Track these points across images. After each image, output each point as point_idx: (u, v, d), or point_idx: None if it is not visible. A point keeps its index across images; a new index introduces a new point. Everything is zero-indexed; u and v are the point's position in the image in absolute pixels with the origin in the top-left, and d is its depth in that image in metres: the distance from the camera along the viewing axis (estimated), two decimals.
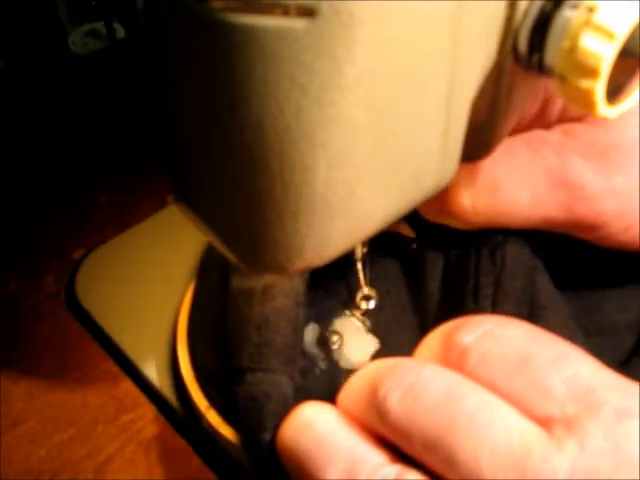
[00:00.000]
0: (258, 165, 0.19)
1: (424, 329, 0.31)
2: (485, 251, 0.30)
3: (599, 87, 0.19)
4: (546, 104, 0.28)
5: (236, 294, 0.30)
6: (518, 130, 0.29)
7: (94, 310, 0.36)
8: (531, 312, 0.28)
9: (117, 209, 0.42)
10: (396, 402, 0.22)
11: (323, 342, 0.32)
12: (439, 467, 0.21)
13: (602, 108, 0.20)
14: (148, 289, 0.37)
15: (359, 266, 0.32)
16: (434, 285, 0.32)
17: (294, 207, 0.20)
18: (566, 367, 0.22)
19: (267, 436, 0.26)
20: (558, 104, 0.28)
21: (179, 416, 0.32)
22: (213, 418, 0.29)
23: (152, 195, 0.42)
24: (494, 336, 0.23)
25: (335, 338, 0.32)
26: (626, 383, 0.21)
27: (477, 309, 0.28)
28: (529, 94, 0.25)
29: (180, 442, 0.31)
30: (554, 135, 0.28)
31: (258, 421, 0.26)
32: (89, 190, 0.43)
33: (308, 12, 0.16)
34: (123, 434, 0.32)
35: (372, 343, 0.32)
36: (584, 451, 0.20)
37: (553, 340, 0.23)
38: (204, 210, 0.23)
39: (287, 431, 0.25)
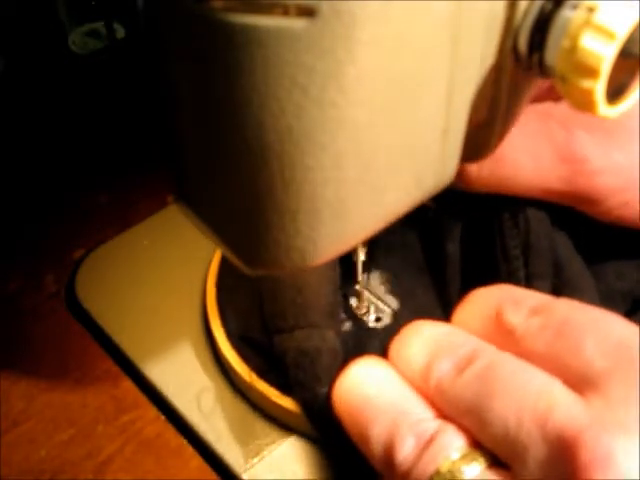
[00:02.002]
0: (259, 165, 0.19)
1: (442, 289, 0.32)
2: (506, 215, 0.30)
3: (599, 87, 0.19)
4: None
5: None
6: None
7: (94, 310, 0.36)
8: (557, 268, 0.30)
9: (117, 209, 0.42)
10: (445, 374, 0.24)
11: (345, 305, 0.33)
12: (474, 429, 0.23)
13: (602, 108, 0.20)
14: (148, 289, 0.37)
15: (359, 267, 0.32)
16: (452, 246, 0.32)
17: (295, 207, 0.20)
18: (599, 328, 0.22)
19: (323, 389, 0.27)
20: None
21: (179, 416, 0.32)
22: (254, 378, 0.30)
23: (152, 195, 0.42)
24: (538, 313, 0.24)
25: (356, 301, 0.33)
26: None
27: (510, 269, 0.30)
28: (529, 94, 0.25)
29: (180, 442, 0.31)
30: (561, 108, 0.28)
31: (313, 375, 0.28)
32: (89, 190, 0.43)
33: (308, 12, 0.16)
34: (123, 434, 0.32)
35: (392, 303, 0.33)
36: (609, 402, 0.20)
37: (588, 307, 0.24)
38: (204, 210, 0.23)
39: (340, 386, 0.27)
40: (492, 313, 0.25)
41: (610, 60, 0.19)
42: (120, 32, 0.50)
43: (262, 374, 0.30)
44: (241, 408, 0.32)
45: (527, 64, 0.21)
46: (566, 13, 0.19)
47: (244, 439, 0.31)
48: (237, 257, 0.23)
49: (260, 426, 0.31)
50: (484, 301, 0.26)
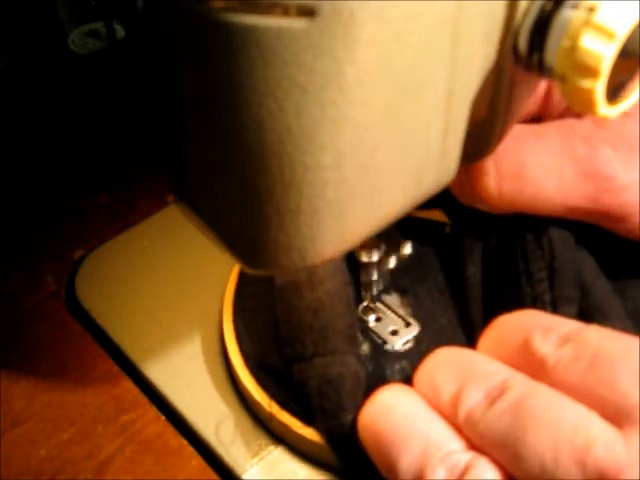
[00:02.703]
0: (258, 165, 0.19)
1: (464, 311, 0.32)
2: (529, 236, 0.30)
3: (599, 87, 0.19)
4: None
5: (282, 288, 0.31)
6: (549, 118, 0.29)
7: (94, 310, 0.36)
8: (583, 291, 0.29)
9: (117, 209, 0.42)
10: (476, 405, 0.23)
11: (363, 328, 0.32)
12: (508, 463, 0.22)
13: (602, 108, 0.20)
14: (148, 289, 0.37)
15: (362, 268, 0.32)
16: (473, 268, 0.32)
17: (295, 207, 0.20)
18: (632, 358, 0.22)
19: (349, 416, 0.27)
20: None
21: (180, 416, 0.32)
22: (274, 407, 0.29)
23: (152, 195, 0.42)
24: (569, 342, 0.23)
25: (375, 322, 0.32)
26: None
27: (535, 292, 0.29)
28: (529, 94, 0.25)
29: (180, 442, 0.31)
30: (584, 124, 0.28)
31: (337, 403, 0.27)
32: (89, 190, 0.43)
33: (308, 12, 0.16)
34: (123, 434, 0.32)
35: (412, 325, 0.32)
36: None
37: (622, 336, 0.23)
38: (204, 210, 0.23)
39: (367, 414, 0.26)
40: (520, 341, 0.25)
41: (610, 60, 0.19)
42: (120, 32, 0.50)
43: (284, 404, 0.29)
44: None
45: (527, 64, 0.21)
46: (566, 13, 0.19)
47: (244, 439, 0.31)
48: (237, 257, 0.23)
49: (260, 426, 0.31)
50: (511, 328, 0.26)
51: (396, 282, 0.34)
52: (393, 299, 0.33)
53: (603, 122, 0.28)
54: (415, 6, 0.18)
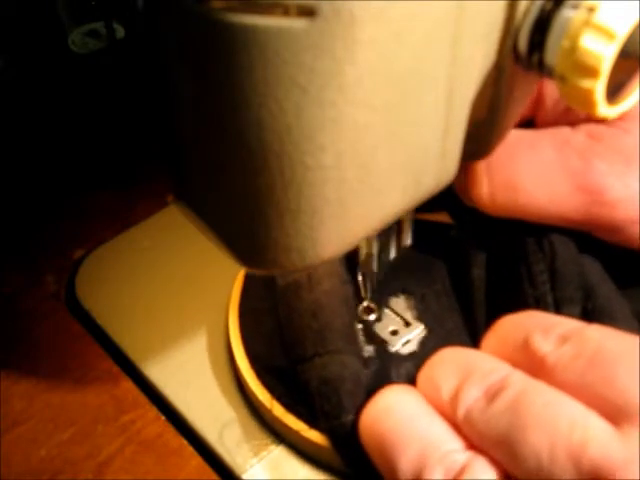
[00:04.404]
0: (258, 165, 0.19)
1: (470, 315, 0.32)
2: (530, 239, 0.30)
3: (599, 87, 0.19)
4: None
5: (283, 289, 0.31)
6: (544, 124, 0.29)
7: (94, 310, 0.36)
8: (586, 292, 0.29)
9: (117, 209, 0.42)
10: (474, 403, 0.23)
11: (369, 331, 0.32)
12: (505, 462, 0.22)
13: (602, 108, 0.20)
14: (148, 289, 0.37)
15: (360, 278, 0.32)
16: (478, 271, 0.32)
17: (294, 207, 0.20)
18: (633, 357, 0.22)
19: (349, 417, 0.27)
20: None
21: (180, 417, 0.32)
22: (278, 409, 0.29)
23: (152, 195, 0.42)
24: (569, 340, 0.24)
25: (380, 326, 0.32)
26: None
27: (537, 294, 0.29)
28: (529, 94, 0.25)
29: (180, 442, 0.31)
30: (579, 136, 0.28)
31: (337, 403, 0.27)
32: (89, 190, 0.43)
33: (308, 12, 0.16)
34: (123, 434, 0.32)
35: (418, 328, 0.32)
36: None
37: (622, 335, 0.23)
38: (204, 210, 0.23)
39: (367, 416, 0.26)
40: (521, 341, 0.25)
41: (610, 60, 0.19)
42: (120, 32, 0.50)
43: (289, 406, 0.29)
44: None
45: (527, 64, 0.21)
46: (566, 13, 0.19)
47: (244, 440, 0.31)
48: (237, 257, 0.23)
49: (260, 426, 0.31)
50: (513, 328, 0.26)
51: (403, 285, 0.34)
52: (400, 302, 0.33)
53: (598, 135, 0.28)
54: (415, 6, 0.18)
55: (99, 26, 0.52)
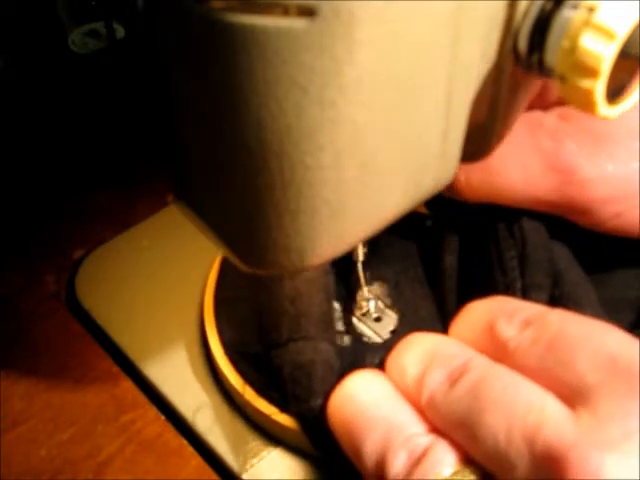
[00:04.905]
0: (258, 165, 0.19)
1: (442, 302, 0.32)
2: (502, 225, 0.30)
3: (599, 87, 0.19)
4: (545, 85, 0.29)
5: (266, 276, 0.31)
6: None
7: (94, 310, 0.36)
8: (555, 279, 0.29)
9: (117, 209, 0.42)
10: (437, 387, 0.24)
11: (345, 319, 0.33)
12: (466, 444, 0.22)
13: (602, 108, 0.20)
14: (148, 289, 0.37)
15: (359, 267, 0.32)
16: (451, 259, 0.32)
17: (294, 207, 0.20)
18: (592, 341, 0.22)
19: (318, 401, 0.27)
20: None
21: (180, 417, 0.32)
22: (250, 394, 0.30)
23: (152, 195, 0.42)
24: (531, 325, 0.24)
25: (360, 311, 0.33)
26: None
27: (507, 280, 0.29)
28: (529, 94, 0.25)
29: (180, 442, 0.31)
30: (550, 118, 0.28)
31: (308, 388, 0.28)
32: (89, 190, 0.43)
33: (308, 12, 0.16)
34: (123, 434, 0.32)
35: (392, 316, 0.33)
36: (598, 418, 0.20)
37: (583, 319, 0.24)
38: (204, 210, 0.23)
39: (334, 400, 0.26)
40: (486, 326, 0.25)
41: (610, 60, 0.19)
42: (120, 32, 0.50)
43: (261, 390, 0.30)
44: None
45: (527, 64, 0.21)
46: (566, 13, 0.19)
47: (244, 439, 0.31)
48: (236, 257, 0.23)
49: (260, 427, 0.31)
50: (479, 313, 0.26)
51: (378, 273, 0.34)
52: (375, 290, 0.34)
53: (569, 116, 0.28)
54: (415, 6, 0.18)
55: (99, 26, 0.52)
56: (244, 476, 0.30)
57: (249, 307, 0.32)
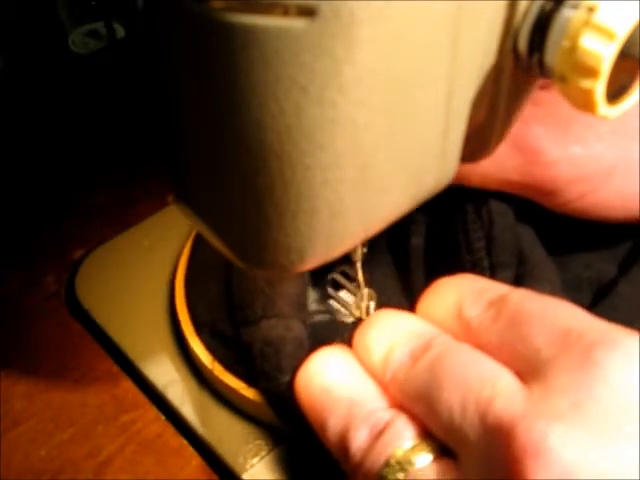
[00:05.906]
0: (258, 165, 0.19)
1: (407, 282, 0.33)
2: (469, 207, 0.31)
3: (599, 87, 0.19)
4: None
5: None
6: None
7: (94, 310, 0.36)
8: (520, 258, 0.30)
9: (117, 209, 0.42)
10: (401, 364, 0.24)
11: (322, 299, 0.33)
12: (424, 418, 0.23)
13: (602, 108, 0.20)
14: (148, 289, 0.37)
15: (359, 267, 0.32)
16: (417, 240, 0.33)
17: (294, 207, 0.20)
18: (547, 316, 0.22)
19: (286, 377, 0.28)
20: None
21: (180, 416, 0.32)
22: (219, 370, 0.30)
23: (152, 195, 0.42)
24: (494, 304, 0.24)
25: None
26: (604, 324, 0.22)
27: (473, 259, 0.30)
28: (529, 94, 0.25)
29: (180, 442, 0.31)
30: None
31: (276, 364, 0.28)
32: (89, 190, 0.43)
33: (308, 12, 0.16)
34: (123, 434, 0.32)
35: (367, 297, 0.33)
36: (548, 390, 0.20)
37: (542, 297, 0.24)
38: (204, 210, 0.23)
39: (300, 376, 0.27)
40: (454, 304, 0.26)
41: (610, 60, 0.19)
42: (120, 32, 0.50)
43: (229, 366, 0.30)
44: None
45: (527, 64, 0.21)
46: (566, 13, 0.19)
47: (244, 439, 0.31)
48: (236, 257, 0.23)
49: (260, 426, 0.31)
50: (447, 291, 0.27)
51: (347, 254, 0.34)
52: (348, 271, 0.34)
53: (539, 100, 0.28)
54: (415, 6, 0.18)
55: (99, 26, 0.52)
56: (244, 476, 0.30)
57: (219, 287, 0.32)
